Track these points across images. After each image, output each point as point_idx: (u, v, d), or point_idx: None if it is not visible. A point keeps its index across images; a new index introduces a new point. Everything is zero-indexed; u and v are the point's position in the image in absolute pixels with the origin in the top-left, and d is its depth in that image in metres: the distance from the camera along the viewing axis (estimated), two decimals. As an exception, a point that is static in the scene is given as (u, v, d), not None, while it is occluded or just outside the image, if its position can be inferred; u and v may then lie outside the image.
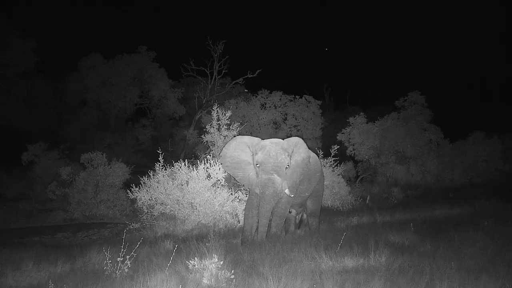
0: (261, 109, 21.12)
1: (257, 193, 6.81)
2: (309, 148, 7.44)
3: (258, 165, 6.80)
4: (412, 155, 17.50)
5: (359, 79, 39.87)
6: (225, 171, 9.01)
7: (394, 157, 17.64)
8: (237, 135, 12.06)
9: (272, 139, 7.25)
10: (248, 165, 7.00)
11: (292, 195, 6.86)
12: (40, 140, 15.84)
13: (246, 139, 7.29)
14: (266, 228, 6.78)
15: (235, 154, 7.12)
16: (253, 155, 6.96)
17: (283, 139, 7.30)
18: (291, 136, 21.90)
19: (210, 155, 10.87)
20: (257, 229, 6.88)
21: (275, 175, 6.67)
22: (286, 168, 6.79)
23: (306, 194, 7.52)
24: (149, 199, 9.46)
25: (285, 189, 6.75)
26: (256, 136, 7.60)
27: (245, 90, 22.70)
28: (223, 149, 7.38)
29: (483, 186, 15.92)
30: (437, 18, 46.55)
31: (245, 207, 7.20)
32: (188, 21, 44.91)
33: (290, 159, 6.92)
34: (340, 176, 12.46)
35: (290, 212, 7.64)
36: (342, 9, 49.07)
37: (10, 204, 13.40)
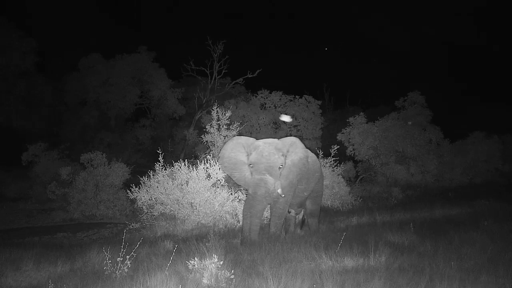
0: (261, 109, 21.10)
1: (250, 193, 6.83)
2: (309, 148, 7.44)
3: (251, 165, 6.82)
4: (412, 155, 17.49)
5: (359, 79, 39.92)
6: (223, 172, 9.03)
7: (394, 157, 17.63)
8: (237, 135, 12.09)
9: (267, 139, 7.26)
10: (244, 166, 7.01)
11: (283, 195, 6.82)
12: (40, 140, 15.83)
13: (242, 139, 7.31)
14: (258, 228, 6.79)
15: (232, 155, 7.13)
16: (248, 155, 6.97)
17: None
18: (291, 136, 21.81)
19: (210, 155, 10.87)
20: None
21: (267, 175, 6.67)
22: (280, 168, 6.77)
23: (305, 194, 7.51)
24: (149, 199, 9.45)
25: (278, 189, 6.73)
26: (256, 136, 7.62)
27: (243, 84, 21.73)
28: (221, 149, 7.40)
29: (483, 186, 15.91)
30: (437, 17, 46.56)
31: (243, 207, 7.21)
32: (188, 21, 44.92)
33: (286, 158, 6.91)
34: (340, 176, 12.45)
35: (289, 212, 7.64)
36: (342, 9, 49.08)
37: (10, 204, 13.40)
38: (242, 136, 7.56)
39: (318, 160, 8.11)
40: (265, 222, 8.79)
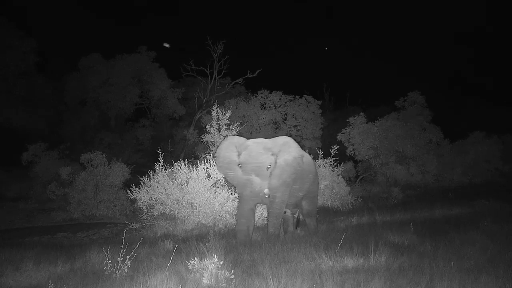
0: (261, 109, 21.11)
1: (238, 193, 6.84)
2: (309, 148, 7.43)
3: (240, 165, 6.81)
4: (412, 155, 17.48)
5: (359, 79, 39.93)
6: (219, 171, 9.01)
7: (394, 157, 17.63)
8: (237, 135, 12.09)
9: (258, 139, 7.25)
10: (236, 165, 7.00)
11: (267, 196, 6.76)
12: (40, 140, 15.84)
13: (235, 139, 7.31)
14: (245, 228, 6.79)
15: (226, 155, 7.10)
16: (239, 155, 6.95)
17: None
18: (291, 136, 21.83)
19: (210, 155, 10.87)
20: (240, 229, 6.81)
21: (253, 175, 6.67)
22: (268, 168, 6.73)
23: (299, 194, 7.46)
24: (149, 199, 9.46)
25: (265, 190, 6.70)
26: (256, 136, 7.63)
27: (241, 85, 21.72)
28: (217, 149, 7.40)
29: (483, 186, 15.91)
30: (437, 17, 46.57)
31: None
32: (188, 21, 44.93)
33: (277, 158, 6.86)
34: (340, 176, 12.44)
35: (284, 212, 7.61)
36: (342, 9, 49.09)
37: (10, 204, 13.40)
38: (235, 136, 7.57)
39: (312, 161, 8.09)
40: (265, 222, 8.78)
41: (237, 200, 9.25)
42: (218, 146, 7.46)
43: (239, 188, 6.86)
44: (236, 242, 6.66)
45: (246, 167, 6.72)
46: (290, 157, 6.95)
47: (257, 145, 6.89)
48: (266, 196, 6.77)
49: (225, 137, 11.78)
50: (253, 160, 6.69)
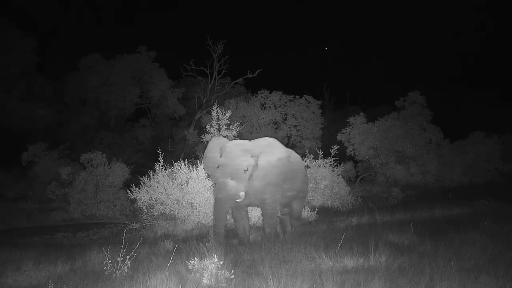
0: (261, 109, 21.12)
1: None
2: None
3: (218, 168, 6.73)
4: (412, 155, 17.48)
5: (359, 79, 39.90)
6: (206, 172, 8.95)
7: (394, 157, 17.62)
8: (237, 135, 12.10)
9: (237, 140, 7.19)
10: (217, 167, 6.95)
11: (239, 200, 6.67)
12: (40, 140, 15.84)
13: (219, 140, 7.23)
14: (223, 231, 6.73)
15: (213, 155, 7.00)
16: (220, 157, 6.87)
17: (282, 139, 7.25)
18: (291, 136, 21.80)
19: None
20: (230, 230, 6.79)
21: (228, 179, 6.58)
22: (245, 170, 6.64)
23: (289, 193, 7.38)
24: (149, 199, 9.46)
25: (240, 193, 6.63)
26: (256, 136, 7.60)
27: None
28: (205, 150, 7.34)
29: (483, 186, 15.90)
30: (437, 16, 46.60)
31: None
32: (188, 21, 44.95)
33: (259, 160, 6.78)
34: (340, 176, 12.44)
35: None
36: (342, 8, 49.12)
37: (10, 204, 13.39)
38: (219, 137, 7.51)
39: (302, 161, 8.05)
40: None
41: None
42: (206, 147, 7.39)
43: (215, 190, 6.79)
44: (216, 242, 6.54)
45: (224, 169, 6.62)
46: (275, 158, 6.87)
47: (235, 147, 6.78)
48: (238, 200, 6.67)
49: (225, 137, 11.80)
50: (230, 163, 6.60)
